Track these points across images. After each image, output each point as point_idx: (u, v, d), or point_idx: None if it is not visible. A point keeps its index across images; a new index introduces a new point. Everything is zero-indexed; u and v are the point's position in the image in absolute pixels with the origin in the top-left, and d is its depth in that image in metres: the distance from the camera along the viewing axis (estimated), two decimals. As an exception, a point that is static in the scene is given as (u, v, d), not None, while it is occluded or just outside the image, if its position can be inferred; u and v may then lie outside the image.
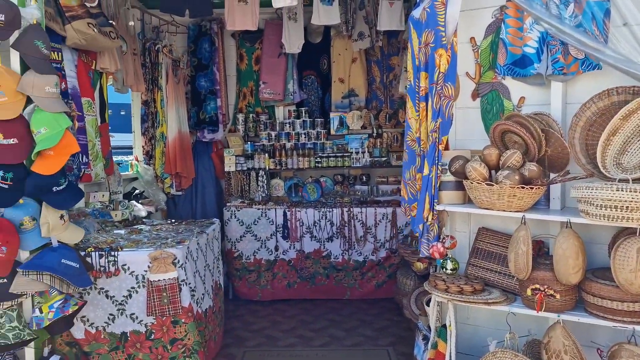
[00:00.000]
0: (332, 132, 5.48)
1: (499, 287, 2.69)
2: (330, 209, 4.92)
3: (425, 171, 2.70)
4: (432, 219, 2.70)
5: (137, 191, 5.03)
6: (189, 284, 3.10)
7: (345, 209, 4.91)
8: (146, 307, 3.02)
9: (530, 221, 2.46)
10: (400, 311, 4.56)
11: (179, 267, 3.05)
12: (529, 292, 2.43)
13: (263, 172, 5.30)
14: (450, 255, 2.72)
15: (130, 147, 5.51)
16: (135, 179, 5.13)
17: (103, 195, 4.18)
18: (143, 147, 5.24)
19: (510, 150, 2.53)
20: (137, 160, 5.20)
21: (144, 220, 4.33)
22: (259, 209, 4.96)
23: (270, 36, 5.37)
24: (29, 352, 2.83)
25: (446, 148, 2.77)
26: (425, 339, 2.97)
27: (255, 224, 4.94)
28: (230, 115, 5.64)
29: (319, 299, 5.00)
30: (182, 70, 5.36)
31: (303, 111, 5.47)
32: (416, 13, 2.83)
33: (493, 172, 2.57)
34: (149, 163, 5.20)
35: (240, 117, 5.54)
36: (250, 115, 5.57)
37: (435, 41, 2.65)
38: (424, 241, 2.81)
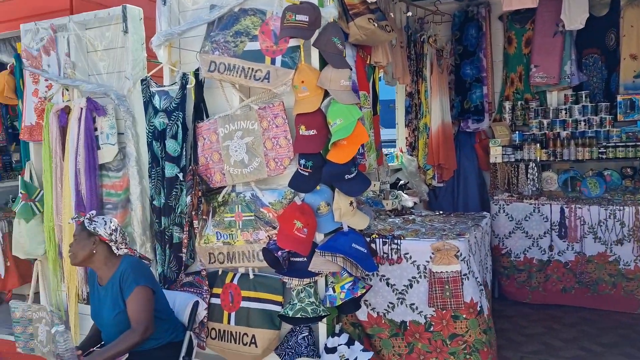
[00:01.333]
0: (620, 117, 4.70)
1: None
2: (621, 207, 4.23)
3: None
4: None
5: (401, 182, 5.12)
6: (472, 278, 2.97)
7: (640, 208, 4.17)
8: (427, 298, 2.99)
9: None
10: None
11: (462, 260, 2.94)
12: None
13: (533, 164, 4.85)
14: None
15: (390, 141, 5.65)
16: (399, 169, 5.24)
17: (374, 184, 4.35)
18: (406, 138, 5.32)
19: None
20: (401, 151, 5.30)
21: (412, 210, 4.37)
22: (530, 204, 4.55)
23: (544, 13, 4.86)
24: (322, 327, 3.06)
25: None
26: None
27: (527, 220, 4.55)
28: (496, 103, 5.32)
29: (601, 309, 4.36)
30: (446, 59, 5.25)
31: (583, 95, 4.82)
32: None
33: None
34: (412, 154, 5.25)
35: (507, 104, 5.17)
36: (519, 102, 5.15)
37: None
38: None
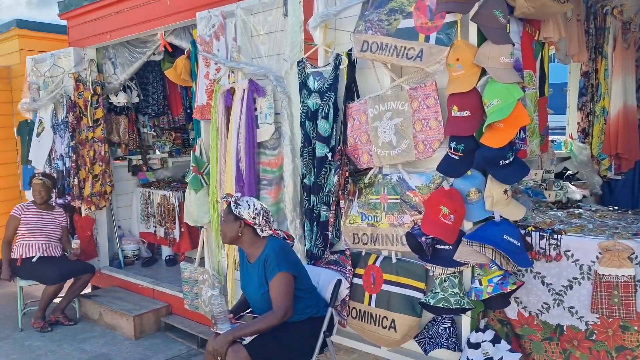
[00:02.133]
0: None
1: None
2: None
3: None
4: None
5: (569, 172, 4.62)
6: (649, 286, 2.56)
7: None
8: (590, 303, 2.64)
9: None
10: None
11: (637, 264, 2.54)
12: None
13: None
14: None
15: (560, 129, 5.11)
16: (568, 158, 4.72)
17: (536, 173, 3.96)
18: (578, 123, 4.76)
19: None
20: (571, 138, 4.77)
21: (579, 203, 3.91)
22: None
23: None
24: (466, 320, 2.91)
25: None
26: None
27: None
28: (698, 83, 4.49)
29: None
30: (634, 33, 4.55)
31: None
32: None
33: None
34: (584, 141, 4.69)
35: None
36: None
37: None
38: None
